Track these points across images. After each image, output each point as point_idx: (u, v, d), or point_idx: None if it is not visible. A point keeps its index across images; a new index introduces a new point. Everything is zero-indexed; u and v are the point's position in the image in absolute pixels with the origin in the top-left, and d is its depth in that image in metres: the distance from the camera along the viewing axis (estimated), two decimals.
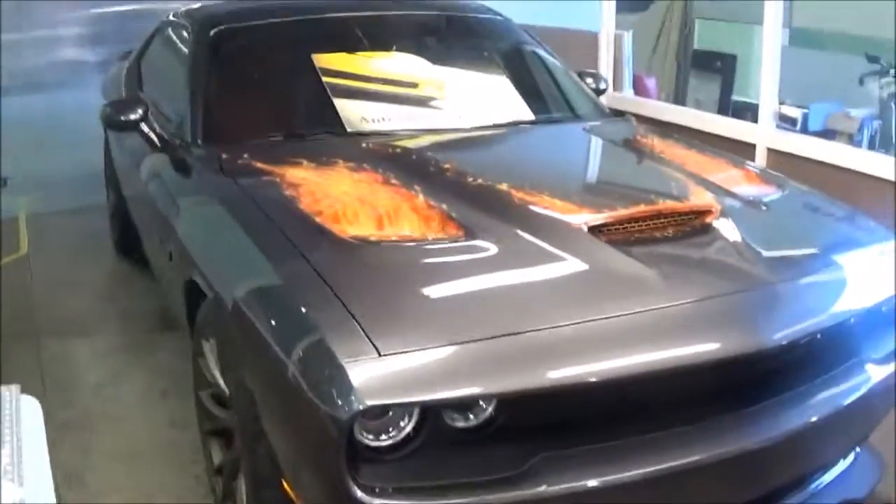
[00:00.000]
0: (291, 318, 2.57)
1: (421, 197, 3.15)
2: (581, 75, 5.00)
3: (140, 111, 4.13)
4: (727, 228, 3.04)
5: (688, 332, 2.63)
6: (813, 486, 3.19)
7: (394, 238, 2.90)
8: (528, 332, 2.48)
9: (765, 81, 5.40)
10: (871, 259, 3.26)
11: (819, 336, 2.88)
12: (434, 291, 2.65)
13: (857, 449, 3.37)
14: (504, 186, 3.15)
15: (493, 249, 2.85)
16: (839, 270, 3.08)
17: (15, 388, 2.15)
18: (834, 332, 2.95)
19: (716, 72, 9.22)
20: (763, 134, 5.38)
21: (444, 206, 3.07)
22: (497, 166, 3.53)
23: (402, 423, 2.42)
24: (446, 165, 3.40)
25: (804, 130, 6.96)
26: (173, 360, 4.70)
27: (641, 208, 3.03)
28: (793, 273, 2.96)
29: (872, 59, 7.17)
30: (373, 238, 2.89)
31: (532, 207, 3.02)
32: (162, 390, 4.49)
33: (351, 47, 4.29)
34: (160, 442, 4.05)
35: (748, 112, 7.58)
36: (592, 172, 3.63)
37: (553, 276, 2.78)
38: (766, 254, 2.99)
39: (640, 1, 9.67)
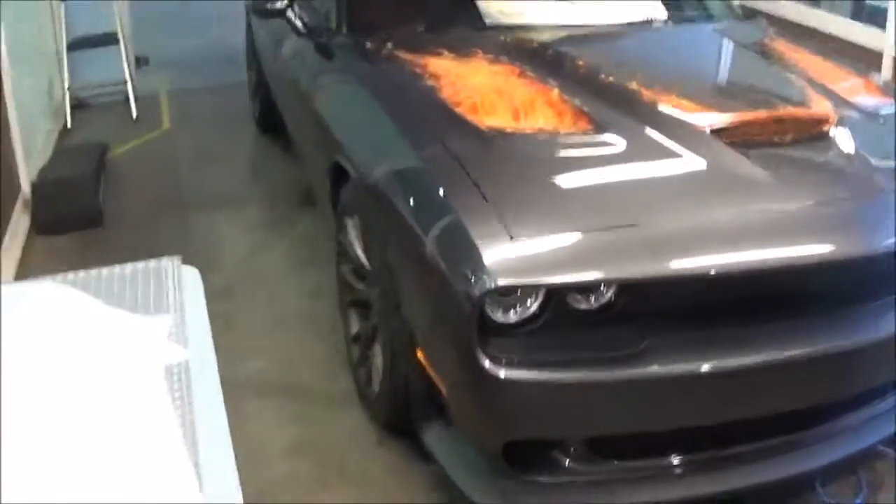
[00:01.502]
0: (430, 199, 2.77)
1: (555, 91, 3.30)
2: None
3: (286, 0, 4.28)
4: (843, 137, 3.12)
5: (796, 233, 2.76)
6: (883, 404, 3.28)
7: (528, 130, 3.06)
8: (648, 224, 2.65)
9: None
10: None
11: None
12: (564, 182, 2.81)
13: None
14: (634, 85, 3.28)
15: (620, 145, 3.00)
16: None
17: (176, 259, 2.31)
18: None
19: None
20: (890, 42, 5.31)
21: (577, 101, 3.22)
22: (628, 64, 3.64)
23: (528, 303, 2.61)
24: (580, 61, 3.53)
25: None
26: (314, 234, 4.94)
27: (763, 113, 3.13)
28: None
29: None
30: (508, 129, 3.05)
31: (660, 106, 3.14)
32: (302, 262, 4.72)
33: None
34: (300, 311, 4.29)
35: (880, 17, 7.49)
36: (720, 74, 3.71)
37: (675, 173, 2.92)
38: (877, 164, 3.07)
39: None
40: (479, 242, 2.51)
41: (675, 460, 2.90)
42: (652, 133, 3.04)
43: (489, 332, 2.58)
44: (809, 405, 2.94)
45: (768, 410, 2.88)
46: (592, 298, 2.65)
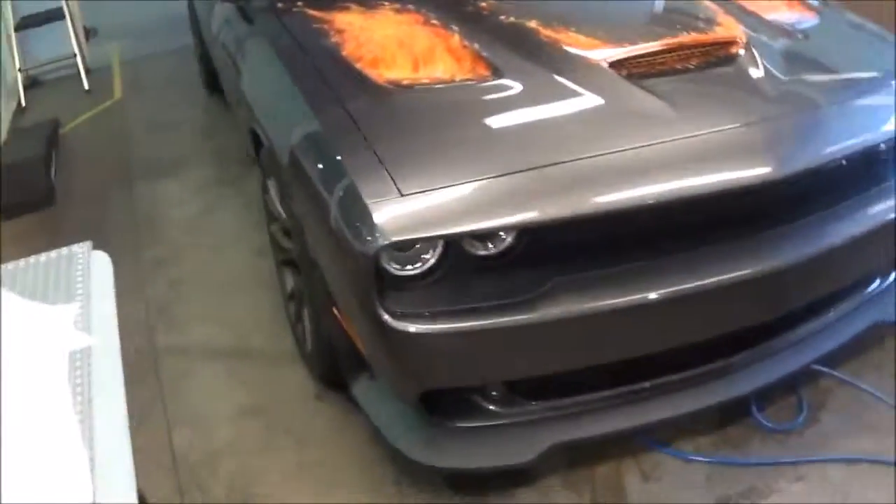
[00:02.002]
0: (330, 164, 2.77)
1: (456, 37, 3.29)
2: None
3: None
4: (751, 59, 3.10)
5: (695, 163, 2.74)
6: (841, 307, 3.34)
7: (425, 80, 3.06)
8: (543, 166, 2.65)
9: None
10: None
11: (842, 162, 2.98)
12: (457, 131, 2.82)
13: (893, 272, 3.50)
14: (533, 24, 3.26)
15: (516, 88, 2.99)
16: (865, 98, 3.15)
17: (87, 245, 2.34)
18: (861, 157, 3.06)
19: None
20: None
21: (477, 46, 3.22)
22: (530, 4, 3.60)
23: (426, 255, 2.64)
24: (483, 3, 3.51)
25: None
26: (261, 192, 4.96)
27: (664, 41, 3.11)
28: (812, 102, 3.02)
29: None
30: (405, 82, 3.05)
31: (557, 44, 3.13)
32: (250, 220, 4.76)
33: None
34: (247, 271, 4.34)
35: None
36: (625, 6, 3.67)
37: (570, 112, 2.91)
38: (787, 83, 3.06)
39: None
40: (369, 202, 2.53)
41: (601, 395, 2.96)
42: (548, 73, 3.03)
43: (388, 287, 2.62)
44: (727, 332, 2.96)
45: (684, 340, 2.91)
46: (491, 244, 2.68)
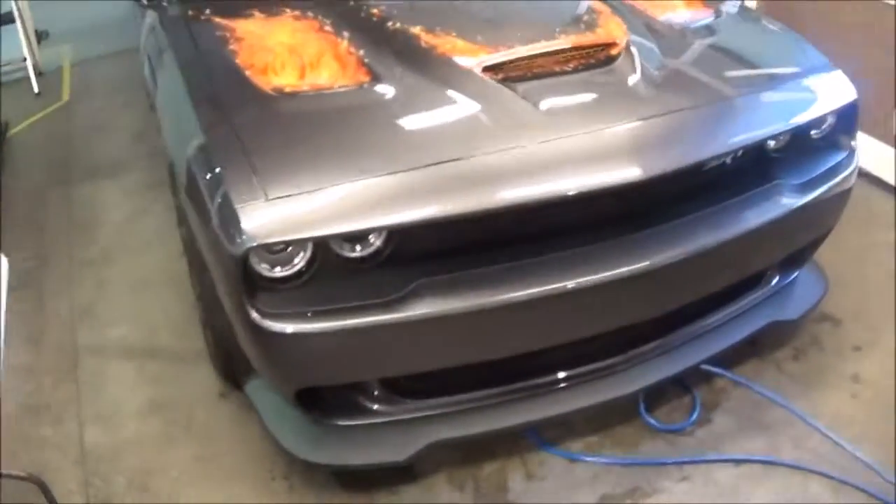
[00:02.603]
0: (212, 174, 2.85)
1: (345, 43, 3.39)
2: None
3: None
4: (629, 61, 3.17)
5: (561, 165, 2.83)
6: (734, 306, 3.45)
7: (307, 88, 3.15)
8: (408, 170, 2.75)
9: None
10: (794, 87, 3.39)
11: (725, 161, 3.11)
12: (329, 137, 2.91)
13: (793, 271, 3.61)
14: (416, 30, 3.34)
15: (391, 94, 3.09)
16: (750, 97, 3.22)
17: None
18: (749, 155, 3.18)
19: None
20: None
21: (362, 52, 3.32)
22: (420, 9, 3.68)
23: (297, 258, 2.74)
24: (374, 10, 3.58)
25: None
26: None
27: (541, 45, 3.18)
28: (689, 103, 3.09)
29: None
30: (289, 89, 3.14)
31: (434, 50, 3.21)
32: (174, 224, 4.80)
33: None
34: (167, 273, 4.44)
35: None
36: (511, 10, 3.73)
37: (439, 116, 3.02)
38: (666, 85, 3.14)
39: None
40: (238, 207, 2.63)
41: (481, 394, 3.08)
42: (423, 79, 3.12)
43: (265, 288, 2.73)
44: (600, 331, 3.06)
45: (553, 340, 3.02)
46: (360, 247, 2.79)
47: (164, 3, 4.12)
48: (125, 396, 3.69)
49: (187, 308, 4.04)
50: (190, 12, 3.90)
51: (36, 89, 7.08)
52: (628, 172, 2.79)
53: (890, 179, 4.77)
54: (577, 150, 2.86)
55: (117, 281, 4.48)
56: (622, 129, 2.91)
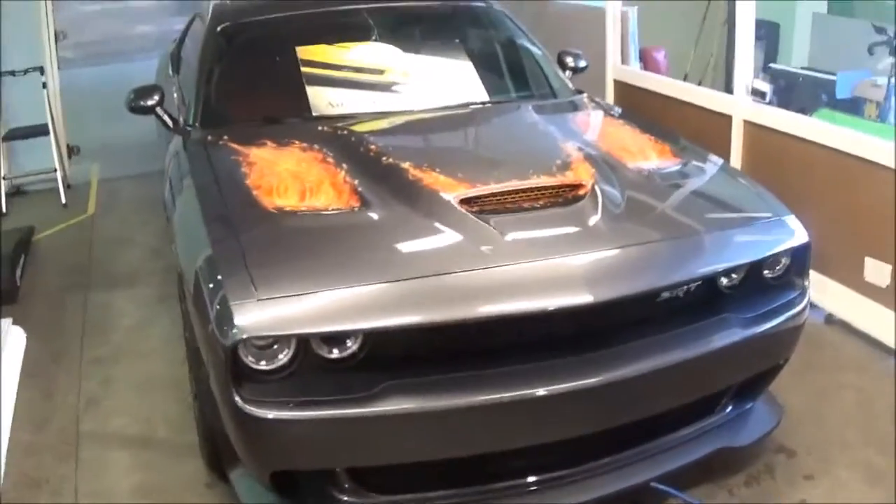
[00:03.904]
0: (215, 281, 3.22)
1: (342, 174, 3.82)
2: (562, 55, 5.55)
3: (156, 97, 4.76)
4: (592, 201, 3.55)
5: (519, 287, 3.21)
6: (687, 429, 3.71)
7: (304, 209, 3.57)
8: (385, 282, 3.15)
9: (739, 57, 5.70)
10: (747, 229, 3.75)
11: (676, 294, 3.43)
12: (319, 251, 3.34)
13: (748, 401, 3.88)
14: (406, 165, 3.77)
15: (377, 218, 3.52)
16: (702, 236, 3.58)
17: (7, 320, 2.77)
18: (697, 290, 3.50)
19: (759, 38, 9.39)
20: (738, 106, 5.72)
21: (356, 182, 3.74)
22: (413, 147, 4.16)
23: (281, 354, 3.10)
24: (372, 146, 4.02)
25: (833, 98, 7.24)
26: None
27: (513, 183, 3.59)
28: (642, 241, 3.45)
29: (879, 30, 7.43)
30: (288, 208, 3.56)
31: (419, 183, 3.62)
32: (179, 334, 5.14)
33: (333, 39, 4.97)
34: (170, 377, 4.78)
35: (781, 79, 7.99)
36: (495, 150, 4.14)
37: (418, 239, 3.41)
38: (624, 224, 3.51)
39: None
40: (232, 305, 3.01)
41: (441, 494, 3.38)
42: (406, 207, 3.53)
43: (245, 378, 3.08)
44: (555, 440, 3.36)
45: (506, 446, 3.33)
46: (337, 350, 3.14)
47: (189, 129, 4.54)
48: (119, 479, 4.00)
49: (184, 407, 4.37)
50: (210, 137, 4.34)
51: (63, 200, 7.58)
52: (578, 297, 3.15)
53: (860, 325, 5.05)
54: (534, 275, 3.23)
55: (123, 379, 4.84)
56: (577, 259, 3.29)
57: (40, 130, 7.67)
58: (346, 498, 3.32)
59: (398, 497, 3.37)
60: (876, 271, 4.87)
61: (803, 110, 6.57)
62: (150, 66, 7.86)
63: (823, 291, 5.21)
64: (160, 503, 3.84)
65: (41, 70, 7.74)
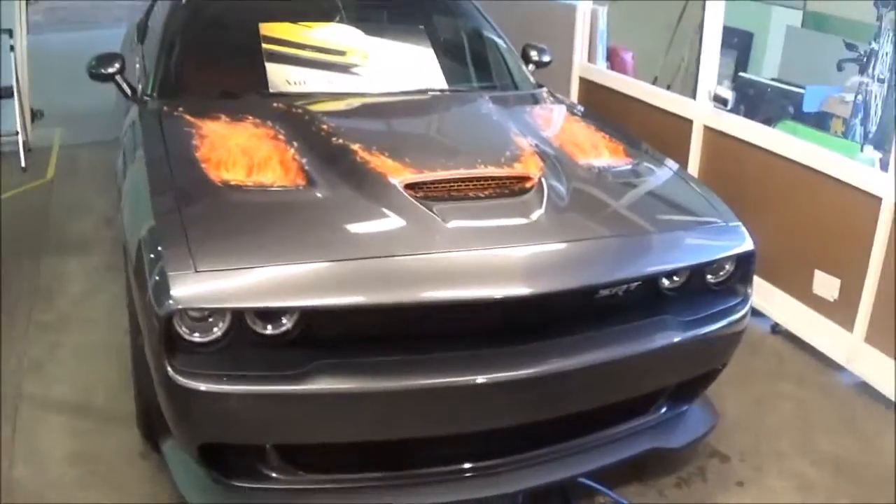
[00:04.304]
0: (155, 252, 3.21)
1: (291, 151, 3.81)
2: (526, 48, 5.57)
3: (117, 65, 4.75)
4: (538, 195, 3.56)
5: (456, 275, 3.23)
6: (620, 427, 3.75)
7: (249, 184, 3.57)
8: (322, 261, 3.16)
9: (704, 63, 5.75)
10: (693, 232, 3.79)
11: (616, 292, 3.46)
12: (261, 227, 3.33)
13: (683, 403, 3.92)
14: (356, 147, 3.77)
15: (320, 197, 3.51)
16: (644, 237, 3.62)
17: None
18: (639, 290, 3.52)
19: (732, 47, 9.40)
20: (699, 111, 5.78)
21: (305, 161, 3.73)
22: (365, 129, 4.17)
23: (215, 327, 3.11)
24: (324, 126, 4.02)
25: (800, 111, 7.33)
26: None
27: (460, 171, 3.61)
28: (583, 236, 3.49)
29: (850, 47, 7.47)
30: (234, 182, 3.56)
31: (366, 166, 3.63)
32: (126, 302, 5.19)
33: (297, 18, 4.95)
34: (114, 345, 4.76)
35: (750, 88, 8.06)
36: (447, 137, 4.19)
37: (360, 221, 3.42)
38: (566, 219, 3.53)
39: None
40: (170, 275, 3.01)
41: (366, 476, 3.41)
42: (351, 188, 3.54)
43: (180, 349, 3.08)
44: (482, 429, 3.40)
45: (437, 432, 3.36)
46: (272, 326, 3.15)
47: (146, 98, 4.53)
48: (55, 444, 4.00)
49: (125, 377, 4.30)
50: (165, 108, 4.33)
51: (23, 164, 7.52)
52: (515, 289, 3.18)
53: (805, 337, 5.12)
54: (473, 264, 3.25)
55: (67, 345, 4.84)
56: (517, 251, 3.31)
57: (4, 93, 7.61)
58: (274, 475, 3.33)
59: (328, 476, 3.39)
60: (825, 285, 4.93)
61: (769, 121, 6.68)
62: (120, 34, 7.80)
63: (771, 301, 5.27)
64: (93, 470, 3.86)
65: (10, 33, 7.69)
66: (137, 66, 5.11)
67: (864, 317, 4.69)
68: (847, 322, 4.80)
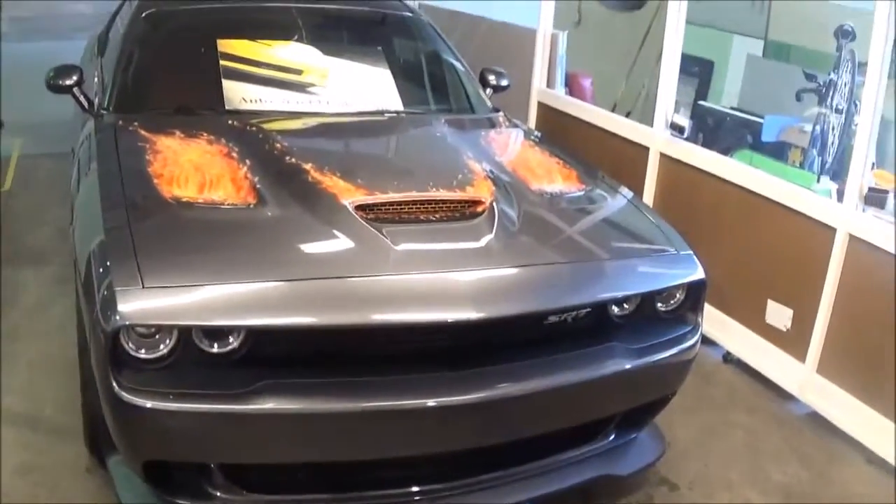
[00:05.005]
0: (103, 266, 3.20)
1: (244, 170, 3.82)
2: (484, 72, 5.59)
3: (75, 77, 4.73)
4: (488, 219, 3.58)
5: (405, 298, 3.25)
6: (567, 454, 3.76)
7: (201, 201, 3.57)
8: (268, 281, 3.17)
9: (661, 91, 5.76)
10: (643, 260, 3.84)
11: (564, 318, 3.46)
12: (210, 244, 3.35)
13: (632, 431, 3.94)
14: (308, 166, 3.78)
15: (270, 216, 3.53)
16: (594, 263, 3.64)
17: None
18: (587, 317, 3.53)
19: (692, 75, 9.44)
20: (656, 139, 5.80)
21: (257, 179, 3.74)
22: (318, 149, 4.18)
23: (162, 344, 3.11)
24: (278, 145, 4.04)
25: (758, 140, 7.37)
26: None
27: (411, 194, 3.62)
28: (533, 260, 3.50)
29: (809, 77, 7.50)
30: (185, 199, 3.56)
31: (318, 186, 3.64)
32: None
33: (256, 35, 4.97)
34: (64, 358, 4.70)
35: (709, 117, 8.12)
36: (400, 159, 4.24)
37: (309, 241, 3.43)
38: (516, 244, 3.54)
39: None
40: (117, 291, 3.01)
41: (316, 497, 3.41)
42: (301, 208, 3.54)
43: (125, 365, 3.08)
44: (426, 453, 3.43)
45: (379, 455, 3.37)
46: (218, 345, 3.15)
47: (102, 112, 4.53)
48: (5, 455, 4.01)
49: (74, 390, 4.32)
50: (120, 122, 4.34)
51: None
52: (461, 313, 3.19)
53: (757, 366, 5.16)
54: (420, 287, 3.27)
55: (18, 356, 4.83)
56: (465, 275, 3.33)
57: None
58: (218, 494, 3.33)
59: (272, 497, 3.40)
60: (777, 314, 4.96)
61: (728, 149, 6.74)
62: (78, 46, 7.77)
63: (723, 330, 5.31)
64: (40, 482, 3.85)
65: None
66: (96, 79, 5.09)
67: (816, 347, 4.73)
68: (799, 352, 4.84)
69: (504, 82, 5.60)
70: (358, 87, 4.94)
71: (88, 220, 3.63)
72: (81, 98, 4.75)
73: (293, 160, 3.86)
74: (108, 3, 7.31)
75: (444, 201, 3.63)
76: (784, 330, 4.93)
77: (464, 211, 3.62)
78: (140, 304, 3.00)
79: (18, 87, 8.39)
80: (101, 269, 3.19)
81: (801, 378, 4.82)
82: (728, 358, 5.32)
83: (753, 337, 5.15)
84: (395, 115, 4.85)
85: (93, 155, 4.14)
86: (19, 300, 5.48)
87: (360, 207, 3.51)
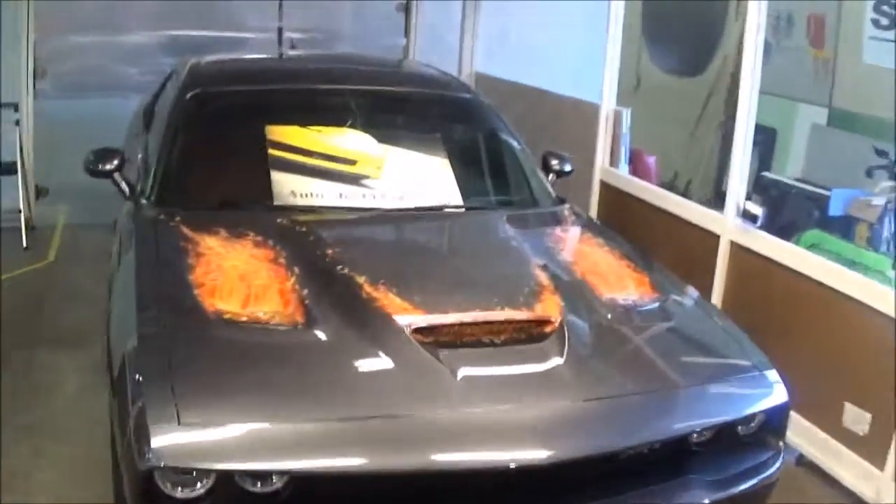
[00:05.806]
0: (134, 381, 2.99)
1: (292, 280, 3.57)
2: (547, 156, 5.31)
3: (115, 162, 4.56)
4: (559, 341, 3.31)
5: (467, 438, 2.98)
6: None
7: (245, 318, 3.32)
8: (320, 420, 2.92)
9: (733, 175, 5.49)
10: (724, 384, 3.51)
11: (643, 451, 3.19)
12: (253, 372, 3.08)
13: None
14: (361, 279, 3.52)
15: (321, 340, 3.26)
16: (673, 392, 3.36)
17: None
18: (663, 448, 3.25)
19: (755, 144, 9.25)
20: (727, 226, 5.50)
21: (305, 292, 3.49)
22: (371, 256, 3.92)
23: (199, 483, 2.85)
24: (329, 251, 3.79)
25: (824, 215, 7.05)
26: None
27: (475, 314, 3.36)
28: (609, 391, 3.23)
29: (880, 153, 7.27)
30: (228, 315, 3.31)
31: (371, 304, 3.39)
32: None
33: (307, 120, 4.73)
34: (98, 459, 4.49)
35: (773, 189, 7.81)
36: (461, 268, 3.94)
37: (361, 372, 3.18)
38: (591, 369, 3.28)
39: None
40: (151, 425, 2.77)
41: None
42: (354, 331, 3.28)
43: (162, 501, 2.82)
44: None
45: None
46: (261, 484, 2.88)
47: (143, 202, 4.29)
48: None
49: (102, 492, 4.09)
50: (162, 216, 4.10)
51: (24, 244, 7.30)
52: (529, 455, 2.93)
53: (832, 472, 4.86)
54: (484, 424, 3.00)
55: (51, 454, 4.58)
56: (530, 410, 3.06)
57: (7, 169, 7.43)
58: None
59: None
60: (855, 418, 4.67)
61: (793, 223, 6.45)
62: (130, 104, 7.56)
63: (797, 431, 4.97)
64: None
65: (15, 107, 7.51)
66: (140, 155, 4.87)
67: (895, 454, 4.42)
68: (878, 459, 4.53)
69: (567, 167, 5.32)
70: (415, 178, 4.67)
71: (124, 312, 3.44)
72: (122, 184, 4.58)
73: (346, 271, 3.60)
74: (160, 62, 7.16)
75: (508, 321, 3.37)
76: (861, 434, 4.63)
77: (530, 331, 3.36)
78: (176, 442, 2.76)
79: (62, 148, 8.23)
80: (134, 383, 2.97)
81: (879, 485, 4.51)
82: (801, 461, 5.01)
83: (829, 440, 4.85)
84: (453, 210, 4.57)
85: (131, 244, 3.97)
86: (55, 389, 5.24)
87: (417, 331, 3.24)
